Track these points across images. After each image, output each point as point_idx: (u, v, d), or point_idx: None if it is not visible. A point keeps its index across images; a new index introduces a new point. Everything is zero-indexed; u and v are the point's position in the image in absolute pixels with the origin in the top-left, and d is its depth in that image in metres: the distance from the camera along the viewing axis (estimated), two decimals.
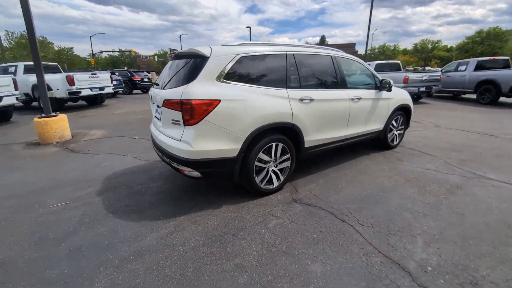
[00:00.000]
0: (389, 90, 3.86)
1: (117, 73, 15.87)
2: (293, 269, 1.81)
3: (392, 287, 1.63)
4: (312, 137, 3.06)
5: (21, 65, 9.02)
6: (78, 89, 8.75)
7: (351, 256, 1.92)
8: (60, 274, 1.80)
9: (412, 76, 9.66)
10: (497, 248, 1.96)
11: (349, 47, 50.51)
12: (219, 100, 2.34)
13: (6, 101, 6.78)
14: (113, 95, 13.93)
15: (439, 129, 5.84)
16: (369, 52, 44.62)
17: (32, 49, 4.89)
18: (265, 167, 2.79)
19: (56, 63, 10.89)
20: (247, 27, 28.19)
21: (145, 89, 17.09)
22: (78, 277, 1.77)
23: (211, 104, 2.30)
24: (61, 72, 9.88)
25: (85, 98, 9.93)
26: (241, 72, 2.55)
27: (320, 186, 3.08)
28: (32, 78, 8.66)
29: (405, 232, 2.18)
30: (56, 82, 8.44)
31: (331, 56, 3.32)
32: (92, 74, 9.45)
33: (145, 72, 18.78)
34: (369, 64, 11.73)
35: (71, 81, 8.57)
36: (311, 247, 2.02)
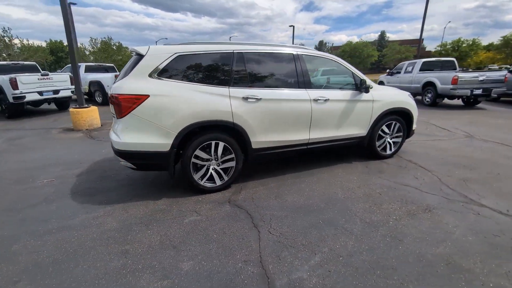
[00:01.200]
0: (366, 91, 3.41)
1: None
2: (166, 262, 1.85)
3: None
4: (261, 139, 2.96)
5: (83, 65, 10.85)
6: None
7: (229, 260, 1.85)
8: (1, 234, 2.22)
9: (465, 76, 8.13)
10: (405, 285, 1.61)
11: (413, 43, 44.84)
12: (148, 95, 2.48)
13: (63, 94, 8.32)
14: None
15: (469, 140, 4.83)
16: (438, 48, 38.85)
17: (70, 53, 5.91)
18: (204, 165, 2.82)
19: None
20: (290, 25, 27.59)
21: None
22: (10, 238, 2.16)
23: (139, 99, 2.47)
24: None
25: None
26: (178, 70, 2.65)
27: (267, 190, 2.96)
28: (89, 76, 10.34)
29: (308, 247, 1.97)
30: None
31: (293, 54, 3.12)
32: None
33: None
34: (414, 62, 10.44)
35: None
36: (201, 246, 2.02)
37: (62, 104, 9.02)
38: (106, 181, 3.30)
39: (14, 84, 7.12)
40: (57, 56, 41.72)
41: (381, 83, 12.83)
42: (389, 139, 3.81)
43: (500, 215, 2.35)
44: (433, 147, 4.39)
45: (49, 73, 8.05)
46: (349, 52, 46.05)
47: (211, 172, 2.87)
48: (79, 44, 27.04)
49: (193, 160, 2.72)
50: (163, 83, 2.57)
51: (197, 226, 2.29)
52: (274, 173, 3.42)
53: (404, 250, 1.93)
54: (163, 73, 2.59)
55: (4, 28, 23.57)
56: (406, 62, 11.37)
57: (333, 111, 3.26)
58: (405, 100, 3.78)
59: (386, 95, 3.64)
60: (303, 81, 3.13)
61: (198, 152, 2.73)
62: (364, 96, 3.43)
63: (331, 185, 3.03)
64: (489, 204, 2.54)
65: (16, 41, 23.94)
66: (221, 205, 2.65)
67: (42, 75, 7.77)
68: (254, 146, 2.95)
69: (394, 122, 3.72)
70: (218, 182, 2.91)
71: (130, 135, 2.53)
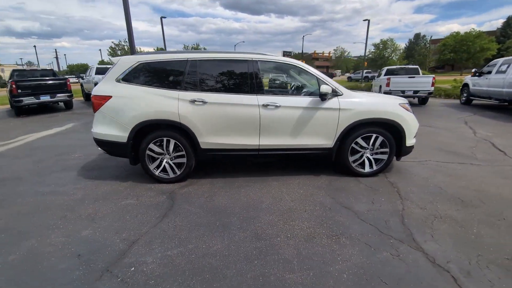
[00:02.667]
0: (322, 99, 3.08)
1: None
2: (78, 227, 2.38)
3: None
4: (209, 140, 3.17)
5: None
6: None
7: (115, 236, 2.22)
8: (17, 190, 3.27)
9: None
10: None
11: None
12: (111, 96, 3.08)
13: None
14: None
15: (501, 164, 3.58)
16: None
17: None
18: (158, 158, 3.26)
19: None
20: (364, 20, 24.47)
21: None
22: (20, 193, 3.17)
23: (104, 98, 3.10)
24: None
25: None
26: (138, 75, 3.15)
27: (209, 189, 3.17)
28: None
29: (180, 240, 2.13)
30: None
31: (247, 60, 3.15)
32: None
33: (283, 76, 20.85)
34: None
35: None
36: (110, 222, 2.46)
37: None
38: (109, 161, 4.17)
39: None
40: None
41: (465, 85, 10.37)
42: (368, 155, 3.32)
43: (428, 269, 1.85)
44: (445, 172, 3.51)
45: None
46: (453, 46, 37.72)
47: (164, 165, 3.28)
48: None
49: (147, 152, 3.20)
50: (124, 86, 3.13)
51: (125, 208, 2.75)
52: (232, 174, 3.56)
53: (253, 267, 1.84)
54: (126, 78, 3.15)
55: (125, 39, 30.80)
56: (501, 59, 8.78)
57: (286, 118, 3.12)
58: (391, 110, 3.19)
59: (360, 103, 3.18)
60: (255, 87, 3.13)
61: (151, 146, 3.18)
62: (328, 103, 3.12)
63: (269, 194, 2.97)
64: (430, 250, 2.00)
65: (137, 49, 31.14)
66: (160, 195, 3.04)
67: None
68: (202, 146, 3.19)
69: (375, 135, 3.21)
70: (171, 175, 3.30)
71: (99, 127, 3.21)
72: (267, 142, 3.20)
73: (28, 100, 8.65)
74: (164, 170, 3.30)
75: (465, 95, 10.31)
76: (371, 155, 3.33)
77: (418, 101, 10.84)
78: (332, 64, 66.81)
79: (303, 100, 3.15)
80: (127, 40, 32.85)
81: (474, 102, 10.02)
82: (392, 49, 52.37)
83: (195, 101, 3.07)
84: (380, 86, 11.42)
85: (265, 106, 3.09)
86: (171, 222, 2.45)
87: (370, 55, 53.32)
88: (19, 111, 8.92)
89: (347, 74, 44.40)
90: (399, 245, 2.06)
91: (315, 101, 3.13)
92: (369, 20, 23.64)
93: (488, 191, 2.96)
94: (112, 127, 3.16)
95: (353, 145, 3.25)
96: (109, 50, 39.63)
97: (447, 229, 2.27)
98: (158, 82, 3.17)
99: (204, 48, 36.34)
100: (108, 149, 3.33)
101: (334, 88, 3.15)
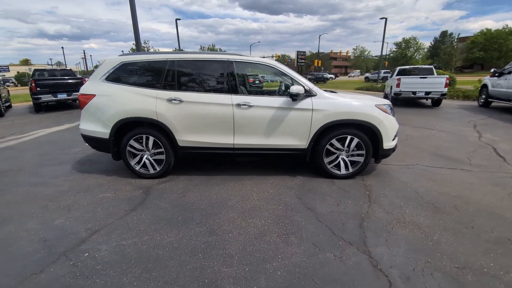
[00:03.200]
0: (292, 99, 3.07)
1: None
2: (53, 215, 2.58)
3: None
4: (185, 137, 3.28)
5: None
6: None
7: (80, 226, 2.38)
8: (16, 180, 3.58)
9: None
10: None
11: None
12: (94, 95, 3.29)
13: None
14: None
15: (497, 171, 3.35)
16: None
17: None
18: (138, 154, 3.43)
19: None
20: (381, 18, 23.54)
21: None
22: (15, 183, 3.47)
23: (89, 97, 3.31)
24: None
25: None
26: (120, 75, 3.33)
27: (184, 185, 3.28)
28: None
29: (134, 231, 2.25)
30: None
31: (223, 61, 3.22)
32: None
33: (259, 76, 20.47)
34: None
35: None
36: (83, 213, 2.65)
37: None
38: (103, 156, 4.42)
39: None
40: None
41: (484, 86, 9.75)
42: (344, 157, 3.27)
43: (367, 272, 1.82)
44: (430, 177, 3.37)
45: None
46: (482, 44, 35.42)
47: (144, 161, 3.44)
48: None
49: (128, 148, 3.37)
50: (107, 85, 3.32)
51: (100, 200, 2.93)
52: (210, 172, 3.65)
53: (196, 259, 1.91)
54: (109, 78, 3.34)
55: (145, 40, 32.25)
56: None
57: (259, 118, 3.16)
58: (365, 111, 3.11)
59: (334, 104, 3.13)
60: (230, 87, 3.20)
61: (132, 143, 3.35)
62: (301, 104, 3.11)
63: (239, 193, 3.03)
64: (377, 254, 1.97)
65: (151, 50, 32.51)
66: (137, 190, 3.19)
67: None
68: (180, 143, 3.31)
69: (350, 137, 3.16)
70: (152, 171, 3.46)
71: (85, 123, 3.43)
72: (242, 141, 3.25)
73: (46, 98, 9.33)
74: (144, 166, 3.46)
75: (483, 96, 9.68)
76: (347, 157, 3.28)
77: (431, 103, 10.35)
78: (351, 64, 65.10)
79: (276, 100, 3.17)
80: (147, 41, 34.66)
81: (493, 104, 9.39)
82: (415, 48, 50.11)
83: (172, 100, 3.20)
84: (391, 87, 11.03)
85: (239, 105, 3.15)
86: (137, 215, 2.58)
87: (391, 54, 51.41)
88: (38, 107, 9.64)
89: (367, 74, 43.17)
90: (346, 247, 2.04)
91: (288, 101, 3.13)
92: (386, 19, 22.75)
93: (469, 198, 2.81)
94: (96, 124, 3.37)
95: (328, 146, 3.22)
96: (130, 51, 41.63)
97: (406, 235, 2.20)
98: (139, 81, 3.34)
99: (220, 49, 36.92)
100: (93, 145, 3.55)
101: (308, 88, 3.14)
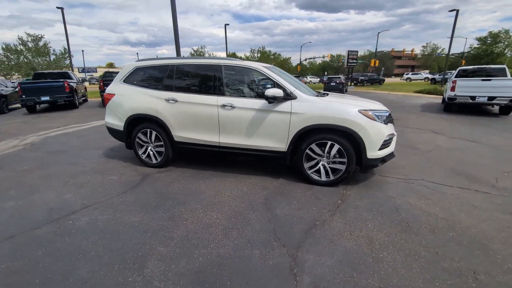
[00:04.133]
0: (268, 101, 3.12)
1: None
2: (69, 193, 3.27)
3: None
4: (179, 133, 3.68)
5: None
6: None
7: (75, 198, 2.98)
8: (60, 159, 4.57)
9: None
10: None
11: None
12: (114, 94, 3.96)
13: None
14: None
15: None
16: None
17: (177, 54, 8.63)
18: (144, 145, 3.98)
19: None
20: (451, 10, 19.82)
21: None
22: (53, 162, 4.43)
23: (110, 96, 4.00)
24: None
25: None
26: (134, 78, 3.92)
27: (177, 176, 3.68)
28: None
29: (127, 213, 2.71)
30: None
31: (213, 65, 3.49)
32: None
33: (301, 78, 20.57)
34: None
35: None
36: (88, 192, 3.27)
37: None
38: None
39: None
40: None
41: None
42: (325, 163, 3.18)
43: (279, 273, 1.85)
44: (425, 195, 3.01)
45: None
46: None
47: (148, 152, 3.97)
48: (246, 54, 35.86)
49: (137, 140, 3.96)
50: (123, 86, 3.95)
51: (106, 182, 3.54)
52: (204, 167, 3.98)
53: (141, 237, 2.22)
54: (126, 80, 3.96)
55: (201, 45, 35.41)
56: None
57: (240, 119, 3.32)
58: (345, 116, 2.96)
59: (313, 108, 3.07)
60: (217, 88, 3.45)
61: (139, 135, 3.92)
62: (280, 107, 3.15)
63: (216, 188, 3.27)
64: (303, 260, 1.96)
65: (206, 54, 35.44)
66: (138, 176, 3.72)
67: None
68: (175, 139, 3.74)
69: (330, 143, 3.06)
70: (154, 161, 3.98)
71: (108, 117, 4.14)
72: (226, 140, 3.48)
73: None
74: (148, 156, 3.99)
75: None
76: (328, 164, 3.17)
77: (499, 111, 8.65)
78: (419, 63, 57.81)
79: (257, 102, 3.27)
80: (203, 46, 37.54)
81: None
82: (506, 43, 41.74)
83: (169, 99, 3.63)
84: (446, 91, 9.64)
85: (223, 106, 3.37)
86: (124, 197, 3.06)
87: (472, 52, 43.95)
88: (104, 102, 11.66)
89: (425, 75, 37.97)
90: (277, 248, 2.09)
91: (266, 102, 3.21)
92: (457, 11, 19.46)
93: (459, 223, 2.46)
94: (114, 118, 4.05)
95: (307, 151, 3.18)
96: (189, 55, 45.50)
97: (348, 247, 2.11)
98: (146, 83, 3.87)
99: (269, 51, 37.59)
100: (113, 135, 4.26)
101: (289, 91, 3.16)
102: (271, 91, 3.05)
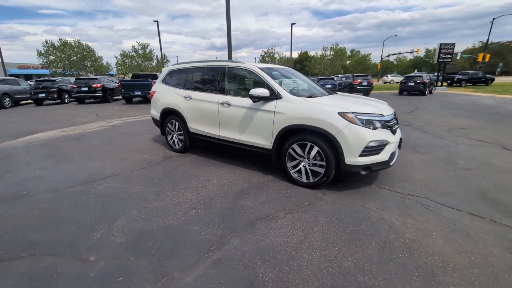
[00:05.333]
0: (253, 100, 3.34)
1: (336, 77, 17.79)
2: (104, 159, 4.38)
3: None
4: (193, 125, 4.33)
5: None
6: None
7: (112, 169, 3.98)
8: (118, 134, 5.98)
9: None
10: None
11: None
12: (155, 92, 4.94)
13: None
14: None
15: None
16: None
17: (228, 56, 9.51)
18: (172, 133, 4.83)
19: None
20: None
21: (363, 92, 16.83)
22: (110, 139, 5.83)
23: (153, 93, 5.00)
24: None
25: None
26: (168, 79, 4.78)
27: (188, 162, 4.33)
28: None
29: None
30: None
31: (219, 67, 3.92)
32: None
33: (369, 76, 18.30)
34: None
35: None
36: (118, 162, 4.29)
37: None
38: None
39: None
40: (302, 64, 51.92)
41: None
42: (306, 164, 3.17)
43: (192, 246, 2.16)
44: (412, 214, 2.64)
45: None
46: None
47: (174, 139, 4.80)
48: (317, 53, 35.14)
49: (167, 128, 4.85)
50: (161, 86, 4.87)
51: (139, 159, 4.50)
52: (213, 156, 4.51)
53: (129, 204, 2.89)
54: (163, 81, 4.87)
55: (272, 46, 36.24)
56: None
57: (235, 115, 3.65)
58: (322, 118, 2.89)
59: (294, 108, 3.10)
60: (221, 88, 3.89)
61: (168, 125, 4.80)
62: (266, 106, 3.32)
63: (207, 175, 3.72)
64: (228, 246, 2.20)
65: (276, 55, 36.04)
66: (162, 157, 4.57)
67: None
68: (190, 130, 4.41)
69: (310, 144, 3.06)
70: (177, 147, 4.79)
71: (152, 109, 5.19)
72: (224, 134, 3.89)
73: None
74: (174, 142, 4.81)
75: None
76: (308, 166, 3.16)
77: None
78: None
79: (248, 101, 3.51)
80: (273, 47, 38.33)
81: None
82: None
83: (186, 97, 4.30)
84: None
85: (222, 104, 3.79)
86: (141, 172, 3.88)
87: None
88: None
89: None
90: (214, 229, 2.39)
91: (258, 102, 3.42)
92: None
93: (425, 247, 2.15)
94: (154, 110, 5.04)
95: (290, 150, 3.25)
96: (260, 58, 45.97)
97: (272, 241, 2.21)
98: (174, 83, 4.66)
99: (344, 48, 35.39)
100: (155, 123, 5.28)
101: (276, 91, 3.30)
102: (255, 91, 3.27)
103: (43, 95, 14.17)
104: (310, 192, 3.14)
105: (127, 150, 5.00)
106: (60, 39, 31.82)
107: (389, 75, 36.81)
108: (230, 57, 10.23)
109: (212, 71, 4.15)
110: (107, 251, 2.12)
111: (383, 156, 2.95)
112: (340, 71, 38.27)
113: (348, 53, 38.01)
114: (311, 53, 50.60)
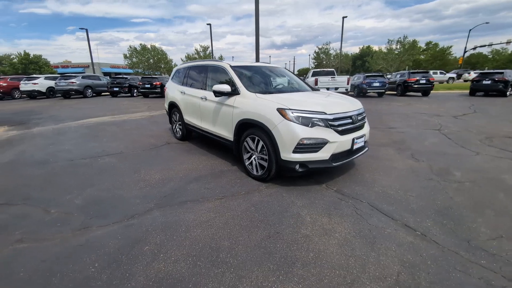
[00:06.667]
0: (215, 95, 3.66)
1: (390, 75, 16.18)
2: (122, 144, 5.36)
3: None
4: (186, 117, 4.93)
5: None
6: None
7: (121, 149, 4.91)
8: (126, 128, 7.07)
9: None
10: None
11: None
12: (167, 88, 5.73)
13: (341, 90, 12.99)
14: (379, 94, 15.38)
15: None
16: None
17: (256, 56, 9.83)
18: (175, 123, 5.55)
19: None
20: None
21: (422, 92, 15.10)
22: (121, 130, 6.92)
23: (165, 89, 5.81)
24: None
25: None
26: (175, 76, 5.49)
27: (184, 151, 4.96)
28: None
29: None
30: None
31: (204, 65, 4.36)
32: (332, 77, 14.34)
33: (430, 73, 15.82)
34: None
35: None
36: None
37: None
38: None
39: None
40: (363, 60, 47.13)
41: None
42: (256, 157, 3.34)
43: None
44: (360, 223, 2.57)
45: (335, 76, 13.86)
46: None
47: (176, 128, 5.51)
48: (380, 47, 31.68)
49: (171, 118, 5.61)
50: (170, 83, 5.64)
51: (147, 143, 5.35)
52: (206, 146, 5.00)
53: (129, 180, 3.61)
54: (172, 78, 5.61)
55: (327, 41, 34.38)
56: None
57: (209, 108, 4.05)
58: (261, 113, 3.06)
59: (246, 103, 3.31)
60: (204, 84, 4.33)
61: (173, 116, 5.55)
62: (228, 101, 3.60)
63: (196, 161, 4.17)
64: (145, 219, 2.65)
65: (332, 51, 34.22)
66: (165, 142, 5.33)
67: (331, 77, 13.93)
68: (185, 121, 5.01)
69: (257, 138, 3.22)
70: (178, 135, 5.51)
71: (165, 103, 6.00)
72: (203, 125, 4.33)
73: None
74: (176, 131, 5.52)
75: None
76: (258, 159, 3.31)
77: None
78: None
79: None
80: (328, 42, 35.99)
81: None
82: None
83: (182, 92, 4.89)
84: None
85: (202, 98, 4.22)
86: (140, 153, 4.67)
87: None
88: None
89: None
90: (147, 202, 2.86)
91: (224, 97, 3.71)
92: None
93: (310, 244, 2.16)
94: (166, 103, 5.85)
95: (245, 143, 3.46)
96: (314, 54, 43.93)
97: (184, 219, 2.53)
98: (178, 80, 5.33)
99: (414, 40, 30.72)
100: (167, 114, 6.09)
101: (237, 88, 3.54)
102: (216, 87, 3.58)
103: (117, 89, 17.31)
104: (256, 183, 3.30)
105: (144, 135, 5.95)
106: (140, 44, 37.51)
107: (471, 72, 30.42)
108: (257, 56, 10.54)
109: (200, 69, 4.63)
110: (65, 207, 2.80)
111: (322, 154, 2.90)
112: (409, 66, 33.78)
113: (423, 46, 32.78)
114: (375, 48, 46.00)
